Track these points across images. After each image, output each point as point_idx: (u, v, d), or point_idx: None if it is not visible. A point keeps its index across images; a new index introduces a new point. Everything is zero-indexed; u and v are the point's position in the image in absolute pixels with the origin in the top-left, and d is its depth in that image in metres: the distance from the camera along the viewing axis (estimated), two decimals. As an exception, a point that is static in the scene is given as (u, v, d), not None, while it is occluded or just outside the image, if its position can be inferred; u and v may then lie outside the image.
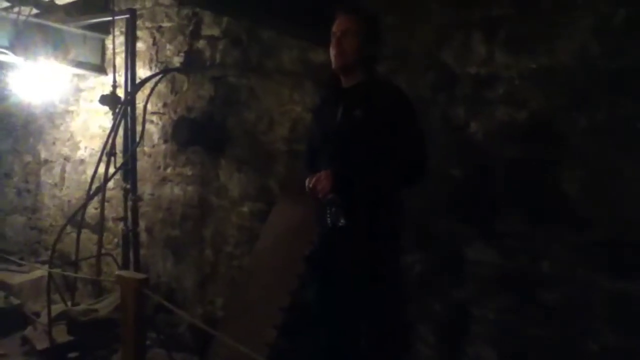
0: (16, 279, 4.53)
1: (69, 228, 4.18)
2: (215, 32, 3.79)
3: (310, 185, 2.07)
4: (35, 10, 4.02)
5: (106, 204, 4.14)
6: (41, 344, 3.55)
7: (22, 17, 3.92)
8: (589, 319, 2.33)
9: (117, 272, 2.41)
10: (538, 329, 2.44)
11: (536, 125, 2.47)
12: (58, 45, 4.09)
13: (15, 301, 4.20)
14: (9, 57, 3.98)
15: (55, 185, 5.11)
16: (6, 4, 3.96)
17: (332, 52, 2.19)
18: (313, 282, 2.40)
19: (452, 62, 2.70)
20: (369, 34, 2.18)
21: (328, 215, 2.03)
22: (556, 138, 2.42)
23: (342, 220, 2.01)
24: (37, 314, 4.04)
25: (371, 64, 2.23)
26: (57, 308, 3.65)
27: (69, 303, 3.78)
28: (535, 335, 2.45)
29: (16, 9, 3.92)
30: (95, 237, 4.32)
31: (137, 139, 4.01)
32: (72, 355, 3.49)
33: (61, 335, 3.56)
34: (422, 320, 2.75)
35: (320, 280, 2.30)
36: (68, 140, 4.95)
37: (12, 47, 3.89)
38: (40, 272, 4.53)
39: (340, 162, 2.10)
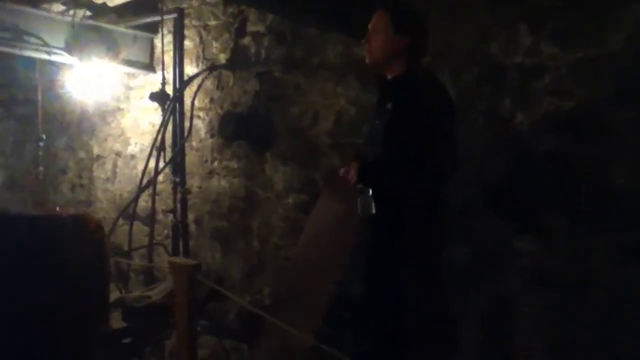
0: (73, 269, 4.74)
1: (120, 221, 4.35)
2: (260, 28, 3.89)
3: (343, 176, 2.17)
4: (88, 13, 4.21)
5: (156, 197, 4.30)
6: (98, 330, 3.73)
7: (76, 20, 4.12)
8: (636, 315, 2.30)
9: (169, 259, 2.52)
10: (584, 324, 2.43)
11: (582, 116, 2.46)
12: (111, 45, 4.27)
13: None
14: (64, 58, 4.18)
15: (108, 179, 5.32)
16: (61, 8, 4.16)
17: (366, 49, 2.28)
18: (355, 272, 2.45)
19: (498, 54, 2.70)
20: (401, 27, 2.19)
21: (359, 205, 2.14)
22: (602, 130, 2.40)
23: (372, 210, 2.10)
24: (93, 302, 4.23)
25: (411, 57, 2.23)
26: (112, 296, 3.81)
27: (123, 292, 3.94)
28: (582, 329, 2.44)
29: (71, 12, 4.12)
30: (145, 229, 4.49)
31: (186, 134, 4.16)
32: (126, 340, 3.65)
33: (116, 321, 3.72)
34: (466, 313, 2.77)
35: (361, 270, 2.36)
36: (119, 136, 5.15)
37: (67, 48, 4.08)
38: (95, 262, 4.72)
39: (372, 155, 2.19)
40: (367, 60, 2.28)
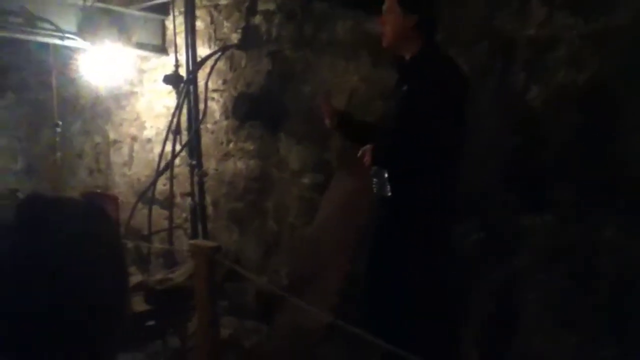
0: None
1: (139, 205, 4.39)
2: (271, 6, 3.85)
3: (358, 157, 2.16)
4: (99, -4, 4.21)
5: (174, 180, 4.33)
6: (120, 313, 3.79)
7: (87, 3, 4.11)
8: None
9: (190, 242, 2.55)
10: (594, 298, 2.42)
11: (595, 89, 2.41)
12: (122, 28, 4.26)
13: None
14: (77, 43, 4.19)
15: (125, 164, 5.36)
16: (72, -8, 4.16)
17: (381, 30, 2.28)
18: (365, 252, 2.47)
19: (509, 27, 2.65)
20: (407, 7, 2.18)
21: (375, 186, 2.16)
22: (615, 102, 2.36)
23: (387, 191, 2.12)
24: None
25: (425, 34, 2.21)
26: (134, 279, 3.87)
27: (145, 275, 4.00)
28: (591, 304, 2.43)
29: (82, -4, 4.12)
30: (164, 212, 4.53)
31: (200, 117, 4.16)
32: (149, 323, 3.71)
33: (139, 304, 3.78)
34: (478, 288, 2.77)
35: (370, 250, 2.38)
36: (135, 120, 5.17)
37: (80, 33, 4.08)
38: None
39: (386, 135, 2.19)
40: (383, 43, 2.28)
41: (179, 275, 3.52)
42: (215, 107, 4.33)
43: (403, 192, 2.13)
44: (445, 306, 2.26)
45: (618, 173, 2.34)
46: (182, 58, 4.26)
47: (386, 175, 2.13)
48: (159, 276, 3.74)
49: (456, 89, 2.12)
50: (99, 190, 5.32)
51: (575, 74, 2.45)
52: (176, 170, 4.36)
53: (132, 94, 5.14)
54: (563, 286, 2.51)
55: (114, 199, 4.66)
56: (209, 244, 2.59)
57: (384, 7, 2.23)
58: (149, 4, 4.45)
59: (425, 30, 2.22)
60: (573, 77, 2.46)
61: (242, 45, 4.08)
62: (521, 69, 2.63)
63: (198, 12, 4.30)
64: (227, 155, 4.28)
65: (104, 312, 0.73)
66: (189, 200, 4.23)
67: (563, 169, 2.50)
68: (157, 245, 4.50)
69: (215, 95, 4.31)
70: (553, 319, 2.55)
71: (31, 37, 4.06)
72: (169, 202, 4.35)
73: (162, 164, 4.27)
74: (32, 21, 3.92)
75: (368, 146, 2.12)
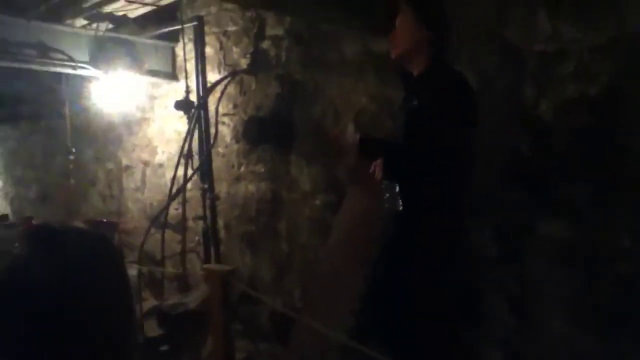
0: (107, 278, 4.84)
1: (152, 229, 4.42)
2: (279, 31, 3.91)
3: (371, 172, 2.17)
4: (110, 25, 4.29)
5: (186, 204, 4.37)
6: (135, 338, 3.79)
7: (99, 33, 4.20)
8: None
9: (204, 266, 2.56)
10: (611, 303, 2.39)
11: (607, 96, 2.42)
12: (134, 56, 4.34)
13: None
14: (90, 72, 4.26)
15: (137, 189, 5.40)
16: (84, 22, 4.25)
17: (391, 43, 2.29)
18: (376, 265, 2.46)
19: (516, 39, 2.68)
20: (425, 22, 2.20)
21: (386, 201, 2.17)
22: (628, 108, 2.36)
23: (399, 206, 2.14)
24: (129, 311, 4.31)
25: (435, 50, 2.24)
26: (147, 304, 3.89)
27: (159, 300, 4.01)
28: (608, 309, 2.40)
29: (94, 25, 4.20)
30: (177, 236, 4.55)
31: (211, 141, 4.21)
32: (163, 348, 3.71)
33: (152, 329, 3.79)
34: (490, 292, 2.75)
35: (382, 262, 2.38)
36: (146, 146, 5.22)
37: (93, 62, 4.16)
38: (129, 272, 4.81)
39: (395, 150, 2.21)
40: (392, 56, 2.29)
41: (192, 299, 3.53)
42: (226, 131, 4.37)
43: (414, 206, 2.14)
44: (459, 313, 2.27)
45: (634, 176, 2.33)
46: (193, 84, 4.33)
47: (397, 189, 2.13)
48: (172, 300, 3.75)
49: (466, 104, 2.13)
50: (99, 218, 5.40)
51: (585, 86, 2.45)
52: (188, 194, 4.40)
53: (144, 120, 5.20)
54: (579, 290, 2.49)
55: (114, 225, 4.94)
56: (224, 267, 2.61)
57: (399, 19, 2.24)
58: (159, 32, 4.53)
59: (437, 46, 2.24)
60: (583, 90, 2.46)
61: (251, 69, 4.14)
62: (530, 83, 2.64)
63: (207, 39, 4.38)
64: (238, 179, 4.31)
65: (111, 334, 0.75)
66: (201, 223, 4.26)
67: (577, 173, 2.49)
68: (170, 269, 4.51)
69: (225, 119, 4.36)
70: (571, 324, 2.52)
71: (44, 68, 4.13)
72: (181, 226, 4.38)
73: (174, 189, 4.31)
74: (46, 52, 4.00)
75: (378, 161, 2.13)
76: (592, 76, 2.43)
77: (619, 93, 2.37)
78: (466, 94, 2.16)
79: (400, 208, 2.15)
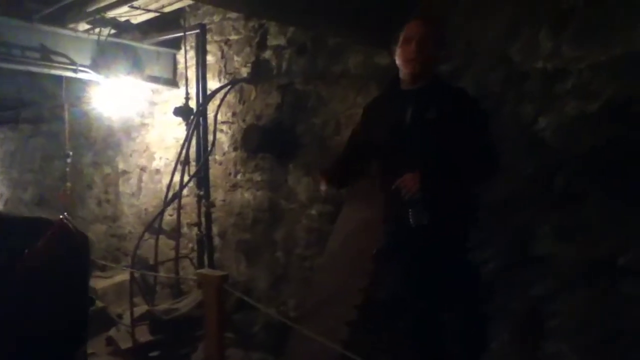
0: (100, 283, 4.82)
1: (146, 234, 4.40)
2: (281, 41, 3.93)
3: (397, 186, 2.13)
4: (113, 31, 4.30)
5: (181, 210, 4.36)
6: (125, 344, 3.77)
7: (102, 38, 4.21)
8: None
9: (198, 271, 2.55)
10: (620, 322, 2.39)
11: (608, 117, 2.44)
12: (135, 62, 4.35)
13: (99, 304, 4.47)
14: (90, 76, 4.28)
15: (133, 194, 5.40)
16: (87, 26, 4.27)
17: (408, 57, 2.19)
18: (388, 278, 2.47)
19: (519, 59, 2.70)
20: (441, 38, 2.25)
21: (410, 215, 2.12)
22: (630, 128, 2.38)
23: (425, 220, 2.11)
24: (120, 316, 4.29)
25: (436, 66, 2.31)
26: (139, 309, 3.86)
27: (150, 305, 3.99)
28: (618, 328, 2.40)
29: (96, 30, 4.22)
30: (171, 242, 4.54)
31: (209, 148, 4.21)
32: (154, 353, 3.68)
33: (143, 334, 3.76)
34: (497, 315, 2.74)
35: (397, 276, 2.38)
36: (144, 151, 5.23)
37: (94, 66, 4.17)
38: (121, 276, 4.80)
39: (411, 163, 2.14)
40: (415, 70, 2.20)
41: (185, 304, 3.51)
42: (224, 139, 4.38)
43: (442, 218, 2.14)
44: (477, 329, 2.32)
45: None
46: (193, 91, 4.34)
47: (422, 203, 2.10)
48: (165, 306, 3.73)
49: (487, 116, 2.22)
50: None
51: (585, 104, 2.47)
52: (184, 200, 4.39)
53: (143, 125, 5.21)
54: (587, 312, 2.48)
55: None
56: (217, 272, 2.60)
57: (416, 34, 2.19)
58: (161, 38, 4.55)
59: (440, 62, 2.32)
60: (582, 108, 2.48)
61: (252, 78, 4.16)
62: (531, 100, 2.66)
63: (209, 47, 4.40)
64: (235, 187, 4.31)
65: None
66: (195, 230, 4.25)
67: (582, 191, 2.50)
68: (163, 274, 4.49)
69: (224, 127, 4.37)
70: (577, 347, 2.51)
71: (46, 70, 4.15)
72: (176, 232, 4.37)
73: (170, 195, 4.31)
74: (48, 55, 4.01)
75: (409, 175, 2.09)
76: (592, 94, 2.46)
77: (620, 111, 2.39)
78: (480, 107, 2.23)
79: (426, 222, 2.12)
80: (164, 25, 4.51)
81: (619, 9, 2.42)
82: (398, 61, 2.25)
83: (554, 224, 2.58)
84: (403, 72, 2.25)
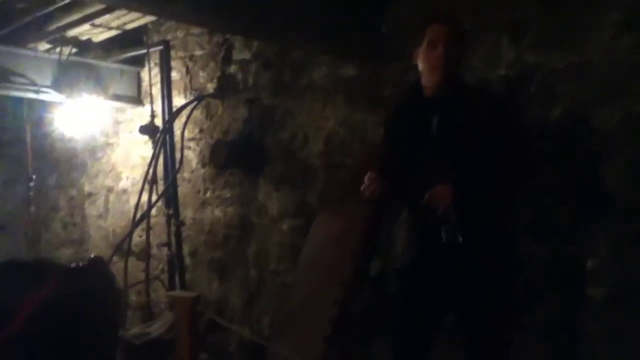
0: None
1: (115, 257, 4.30)
2: (246, 55, 3.91)
3: (426, 200, 2.00)
4: (74, 49, 4.23)
5: (150, 231, 4.26)
6: (97, 370, 3.65)
7: (63, 57, 4.13)
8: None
9: (169, 293, 2.49)
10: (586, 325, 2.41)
11: (570, 121, 2.48)
12: (98, 81, 4.28)
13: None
14: (52, 96, 4.19)
15: (100, 216, 5.27)
16: (47, 46, 4.18)
17: (434, 63, 2.05)
18: (406, 295, 2.29)
19: (481, 66, 2.73)
20: (465, 38, 2.18)
21: (443, 233, 1.96)
22: (590, 132, 2.42)
23: (459, 238, 1.93)
24: (91, 342, 4.16)
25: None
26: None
27: (122, 329, 3.88)
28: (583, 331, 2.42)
29: (57, 49, 4.14)
30: (140, 264, 4.43)
31: (177, 166, 4.14)
32: (126, 379, 3.58)
33: (115, 360, 3.66)
34: None
35: (420, 298, 2.20)
36: (110, 171, 5.11)
37: (56, 86, 4.09)
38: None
39: (441, 175, 2.01)
40: (439, 75, 2.06)
41: (157, 328, 3.43)
42: (192, 156, 4.32)
43: (477, 237, 1.98)
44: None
45: (603, 198, 2.37)
46: (158, 108, 4.28)
47: (455, 221, 1.94)
48: (136, 330, 3.63)
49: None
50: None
51: (548, 110, 2.51)
52: (152, 220, 4.30)
53: (108, 145, 5.10)
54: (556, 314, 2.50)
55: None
56: (189, 294, 2.55)
57: (440, 38, 2.06)
58: (124, 56, 4.49)
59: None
60: (545, 113, 2.52)
61: (218, 94, 4.12)
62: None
63: (173, 63, 4.35)
64: (204, 204, 4.24)
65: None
66: (165, 250, 4.17)
67: (546, 197, 2.52)
68: (133, 298, 4.39)
69: (191, 144, 4.31)
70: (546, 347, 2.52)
71: (5, 92, 4.05)
72: (145, 254, 4.27)
73: (138, 215, 4.22)
74: (7, 76, 3.92)
75: (440, 187, 1.97)
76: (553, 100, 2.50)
77: (581, 118, 2.43)
78: (509, 109, 2.22)
79: (460, 240, 1.94)
80: (126, 43, 4.45)
81: (572, 16, 2.47)
82: (421, 66, 2.10)
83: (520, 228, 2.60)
84: (427, 78, 2.11)
